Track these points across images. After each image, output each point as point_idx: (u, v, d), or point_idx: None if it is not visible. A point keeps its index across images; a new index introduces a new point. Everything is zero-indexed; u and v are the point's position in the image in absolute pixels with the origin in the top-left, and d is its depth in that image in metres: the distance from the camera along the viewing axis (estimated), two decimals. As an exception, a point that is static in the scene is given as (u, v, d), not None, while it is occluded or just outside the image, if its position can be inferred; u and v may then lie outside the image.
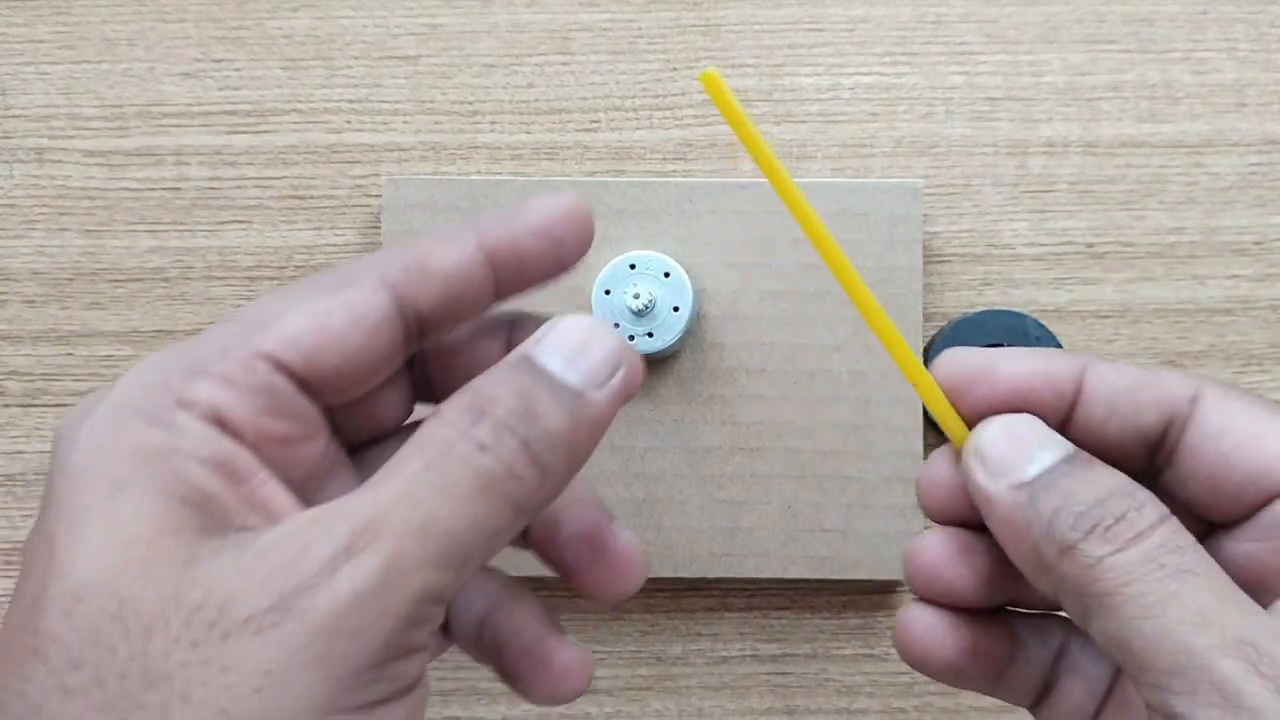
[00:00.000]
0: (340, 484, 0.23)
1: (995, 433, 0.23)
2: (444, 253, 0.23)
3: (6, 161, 0.38)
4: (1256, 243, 0.38)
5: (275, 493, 0.21)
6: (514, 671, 0.25)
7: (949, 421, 0.24)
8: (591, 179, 0.37)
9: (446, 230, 0.23)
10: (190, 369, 0.21)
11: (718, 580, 0.38)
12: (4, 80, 0.38)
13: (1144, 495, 0.22)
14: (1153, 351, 0.38)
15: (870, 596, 0.38)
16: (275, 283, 0.38)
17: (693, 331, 0.36)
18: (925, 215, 0.38)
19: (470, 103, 0.38)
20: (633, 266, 0.35)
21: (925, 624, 0.25)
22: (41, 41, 0.38)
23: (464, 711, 0.38)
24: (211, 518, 0.20)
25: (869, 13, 0.38)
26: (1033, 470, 0.22)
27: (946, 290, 0.38)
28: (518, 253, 0.23)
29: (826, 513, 0.35)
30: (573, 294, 0.36)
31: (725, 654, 0.38)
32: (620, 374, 0.22)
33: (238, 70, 0.38)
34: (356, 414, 0.24)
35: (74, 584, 0.19)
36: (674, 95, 0.38)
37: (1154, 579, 0.21)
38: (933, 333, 0.37)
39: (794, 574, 0.35)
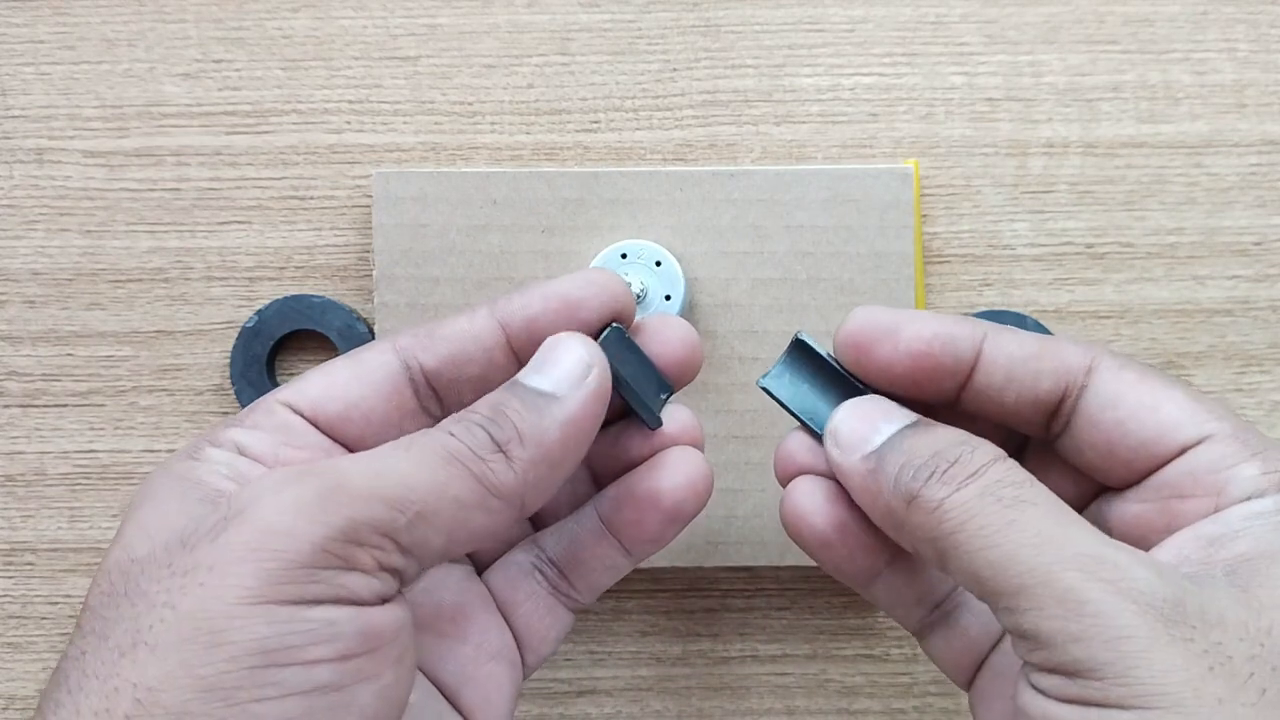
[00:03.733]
0: None
1: (845, 413, 0.26)
2: (452, 320, 0.26)
3: (6, 162, 0.38)
4: (1256, 243, 0.38)
5: None
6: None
7: None
8: (584, 169, 0.37)
9: (464, 308, 0.27)
10: (226, 424, 0.25)
11: (717, 579, 0.38)
12: (4, 80, 0.38)
13: (978, 441, 0.24)
14: (1153, 352, 0.38)
15: (870, 597, 0.38)
16: (275, 283, 0.38)
17: (685, 320, 0.36)
18: (925, 216, 0.38)
19: (470, 103, 0.38)
20: (624, 256, 0.35)
21: (806, 490, 0.27)
22: (41, 42, 0.38)
23: (463, 712, 0.38)
24: (220, 505, 0.23)
25: (869, 13, 0.38)
26: (878, 440, 0.25)
27: (946, 290, 0.38)
28: (531, 317, 0.26)
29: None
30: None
31: (725, 654, 0.38)
32: (594, 374, 0.25)
33: (238, 70, 0.38)
34: None
35: (108, 561, 0.22)
36: (674, 96, 0.38)
37: (992, 511, 0.22)
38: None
39: (790, 562, 0.35)
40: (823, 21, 0.38)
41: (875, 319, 0.26)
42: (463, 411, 0.24)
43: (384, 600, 0.22)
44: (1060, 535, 0.22)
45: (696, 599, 0.38)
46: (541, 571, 0.28)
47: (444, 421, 0.24)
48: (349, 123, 0.38)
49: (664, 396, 0.27)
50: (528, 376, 0.25)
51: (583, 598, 0.29)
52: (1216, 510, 0.24)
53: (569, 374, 0.24)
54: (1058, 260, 0.38)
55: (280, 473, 0.22)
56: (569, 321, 0.26)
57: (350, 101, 0.38)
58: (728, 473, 0.35)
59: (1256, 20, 0.38)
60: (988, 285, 0.38)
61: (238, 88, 0.38)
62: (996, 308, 0.37)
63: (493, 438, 0.23)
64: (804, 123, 0.38)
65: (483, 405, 0.24)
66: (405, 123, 0.38)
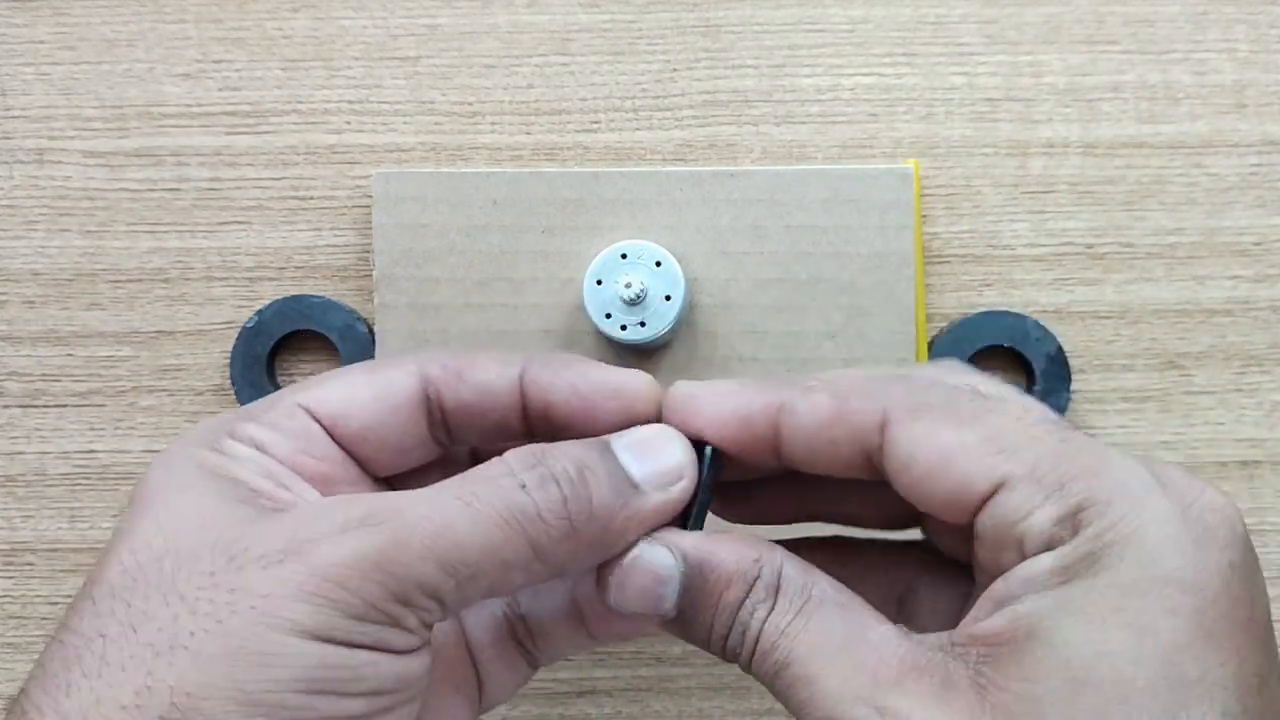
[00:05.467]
0: None
1: (615, 594, 0.25)
2: (485, 369, 0.26)
3: (6, 162, 0.38)
4: (1256, 243, 0.38)
5: (316, 496, 0.25)
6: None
7: None
8: (584, 169, 0.37)
9: (501, 355, 0.26)
10: (241, 416, 0.25)
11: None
12: (4, 81, 0.38)
13: (754, 594, 0.23)
14: (1153, 352, 0.38)
15: (870, 597, 0.38)
16: (275, 284, 0.38)
17: (685, 320, 0.36)
18: (925, 216, 0.38)
19: (470, 103, 0.38)
20: (624, 256, 0.34)
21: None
22: (41, 42, 0.38)
23: (463, 712, 0.38)
24: (259, 506, 0.23)
25: (869, 13, 0.38)
26: (669, 613, 0.24)
27: (947, 291, 0.38)
28: (552, 404, 0.26)
29: (822, 503, 0.35)
30: (565, 285, 0.36)
31: (725, 655, 0.38)
32: (681, 485, 0.24)
33: (238, 71, 0.38)
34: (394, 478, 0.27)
35: (133, 540, 0.22)
36: (674, 96, 0.38)
37: (777, 679, 0.23)
38: (934, 333, 0.37)
39: None
40: (823, 21, 0.38)
41: (679, 391, 0.25)
42: (541, 454, 0.23)
43: (418, 648, 0.23)
44: (807, 700, 0.22)
45: (696, 599, 0.38)
46: (511, 624, 0.28)
47: (515, 463, 0.23)
48: (349, 123, 0.38)
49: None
50: (622, 453, 0.24)
51: (542, 660, 0.28)
52: (1019, 564, 0.22)
53: (663, 474, 0.24)
54: (1058, 260, 0.38)
55: (340, 510, 0.22)
56: (585, 427, 0.25)
57: (350, 102, 0.38)
58: (728, 473, 0.35)
59: (1256, 20, 0.38)
60: (988, 285, 0.38)
61: (238, 88, 0.38)
62: (997, 308, 0.37)
63: (566, 501, 0.23)
64: (804, 123, 0.38)
65: (566, 459, 0.23)
66: (405, 123, 0.38)
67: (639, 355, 0.36)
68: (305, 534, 0.22)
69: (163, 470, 0.24)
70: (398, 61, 0.38)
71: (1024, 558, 0.22)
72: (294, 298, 0.37)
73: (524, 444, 0.24)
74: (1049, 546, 0.22)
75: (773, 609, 0.23)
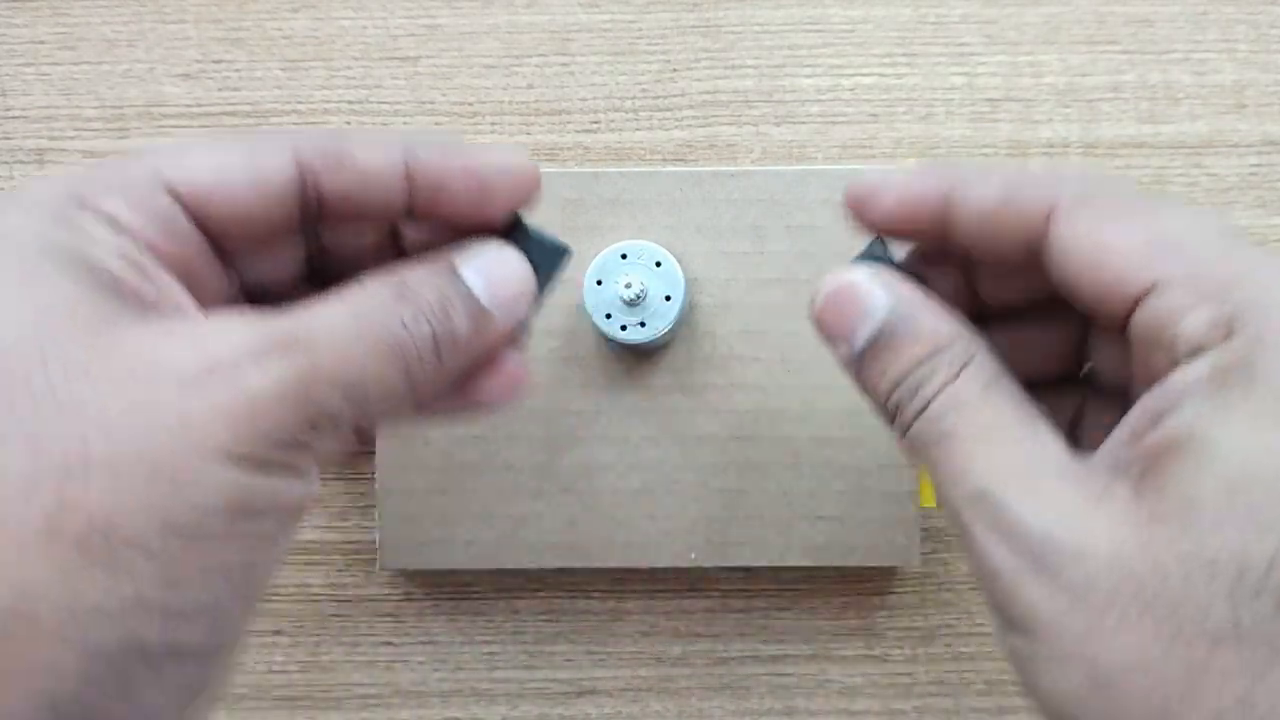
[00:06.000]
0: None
1: (821, 302, 0.26)
2: (366, 153, 0.24)
3: (7, 162, 0.38)
4: (1257, 243, 0.38)
5: (184, 296, 0.23)
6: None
7: None
8: (584, 169, 0.37)
9: (380, 135, 0.25)
10: (91, 183, 0.22)
11: (717, 579, 0.38)
12: (4, 81, 0.38)
13: (939, 359, 0.24)
14: (1153, 352, 0.38)
15: (870, 598, 0.38)
16: (275, 283, 0.38)
17: (685, 321, 0.36)
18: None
19: (470, 103, 0.38)
20: (624, 256, 0.34)
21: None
22: (41, 43, 0.38)
23: (463, 712, 0.38)
24: (125, 300, 0.21)
25: (869, 13, 0.38)
26: (857, 344, 0.25)
27: (946, 291, 0.38)
28: (441, 185, 0.24)
29: (822, 500, 0.35)
30: (564, 285, 0.36)
31: (725, 655, 0.38)
32: (523, 307, 0.25)
33: (238, 71, 0.38)
34: (252, 272, 0.26)
35: None
36: (674, 96, 0.38)
37: (926, 448, 0.24)
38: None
39: (790, 561, 0.35)
40: (823, 22, 0.38)
41: (860, 183, 0.26)
42: (406, 286, 0.23)
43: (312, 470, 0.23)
44: (962, 471, 0.23)
45: (696, 599, 0.38)
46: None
47: (388, 294, 0.23)
48: (349, 123, 0.38)
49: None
50: (473, 279, 0.24)
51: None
52: (1170, 371, 0.21)
53: (512, 300, 0.25)
54: (1058, 260, 0.38)
55: (251, 331, 0.21)
56: (475, 210, 0.25)
57: (350, 102, 0.38)
58: (727, 473, 0.35)
59: (1256, 20, 0.38)
60: (988, 285, 0.38)
61: (238, 88, 0.38)
62: (996, 308, 0.37)
63: (436, 342, 0.23)
64: (804, 123, 0.38)
65: (430, 291, 0.24)
66: (405, 123, 0.38)
67: (639, 355, 0.36)
68: (223, 354, 0.21)
69: (3, 248, 0.21)
70: (398, 61, 0.38)
71: (1176, 364, 0.21)
72: (294, 298, 0.37)
73: (393, 235, 0.26)
74: (1201, 350, 0.21)
75: (955, 379, 0.24)
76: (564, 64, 0.38)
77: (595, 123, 0.38)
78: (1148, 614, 0.20)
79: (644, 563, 0.35)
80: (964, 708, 0.37)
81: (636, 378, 0.36)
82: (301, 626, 0.38)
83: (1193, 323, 0.21)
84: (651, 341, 0.34)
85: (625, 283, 0.34)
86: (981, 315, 0.27)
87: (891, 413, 0.25)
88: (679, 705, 0.38)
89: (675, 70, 0.38)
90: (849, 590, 0.38)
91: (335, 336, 0.22)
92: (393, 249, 0.27)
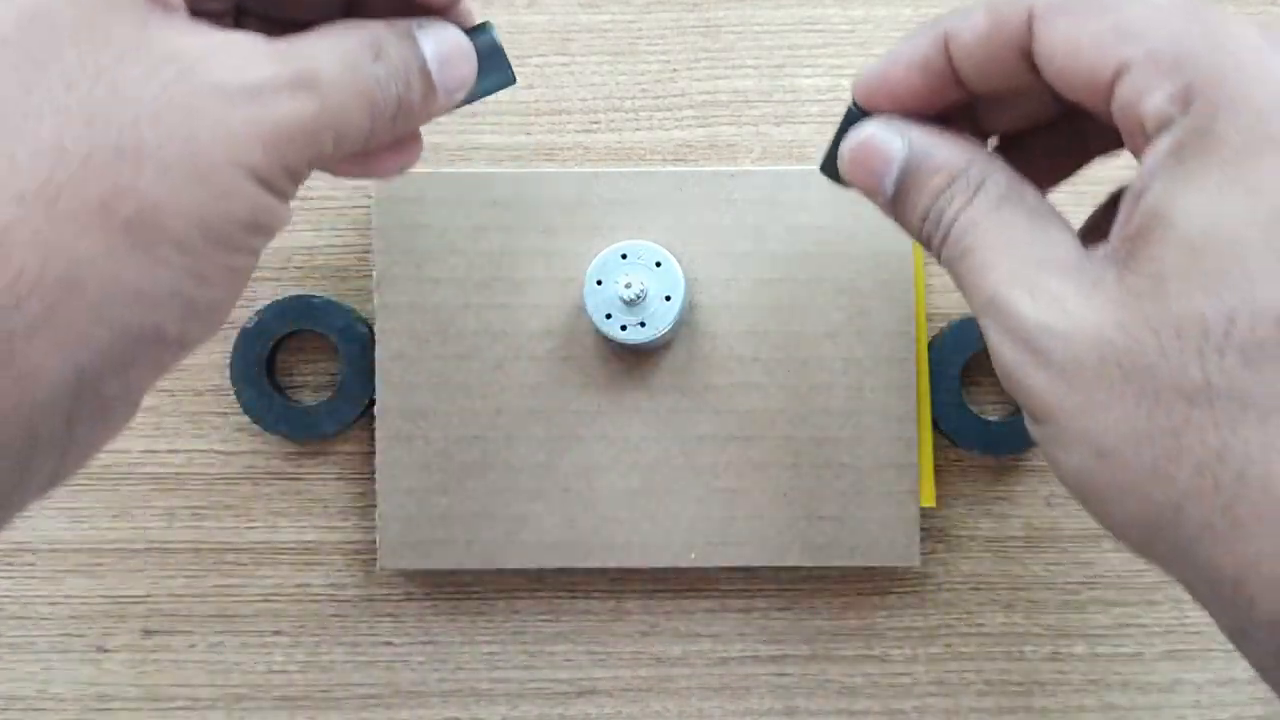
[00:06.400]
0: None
1: (848, 164, 0.28)
2: None
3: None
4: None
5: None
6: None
7: None
8: (584, 169, 0.37)
9: None
10: None
11: (717, 579, 0.38)
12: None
13: (955, 187, 0.26)
14: (1153, 352, 0.38)
15: (870, 598, 0.38)
16: (276, 284, 0.38)
17: (685, 321, 0.36)
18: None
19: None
20: (624, 256, 0.34)
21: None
22: (42, 42, 0.38)
23: (463, 712, 0.38)
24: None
25: (869, 13, 0.38)
26: (888, 191, 0.27)
27: (948, 291, 0.38)
28: None
29: (822, 500, 0.35)
30: (565, 285, 0.36)
31: (725, 655, 0.38)
32: (456, 100, 0.27)
33: (238, 71, 0.38)
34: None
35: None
36: (674, 96, 0.38)
37: (953, 256, 0.26)
38: (934, 333, 0.37)
39: (790, 561, 0.35)
40: (823, 22, 0.38)
41: (863, 79, 0.27)
42: (381, 48, 0.25)
43: None
44: (978, 283, 0.25)
45: (696, 599, 0.38)
46: None
47: (368, 54, 0.25)
48: (349, 123, 0.38)
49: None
50: (431, 60, 0.26)
51: None
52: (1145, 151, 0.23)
53: (455, 89, 0.27)
54: (1058, 260, 0.38)
55: (274, 63, 0.23)
56: None
57: (350, 102, 0.38)
58: (727, 473, 0.35)
59: (1256, 21, 0.38)
60: (988, 285, 0.38)
61: (238, 88, 0.38)
62: (996, 308, 0.37)
63: (398, 100, 0.26)
64: (804, 123, 0.38)
65: (399, 57, 0.26)
66: (405, 123, 0.38)
67: (639, 355, 0.36)
68: (257, 79, 0.23)
69: None
70: (398, 61, 0.38)
71: (1149, 143, 0.22)
72: (294, 298, 0.37)
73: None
74: (1166, 127, 0.22)
75: (970, 202, 0.25)
76: (564, 64, 0.38)
77: (595, 123, 0.38)
78: (1130, 385, 0.22)
79: (644, 563, 0.36)
80: (964, 708, 0.37)
81: (636, 378, 0.36)
82: (301, 626, 0.38)
83: (1154, 101, 0.22)
84: (651, 341, 0.34)
85: (625, 283, 0.34)
86: (1004, 147, 0.29)
87: (926, 244, 0.27)
88: (679, 705, 0.38)
89: (675, 70, 0.38)
90: (849, 590, 0.38)
91: (335, 84, 0.24)
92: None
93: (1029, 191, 0.25)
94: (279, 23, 0.28)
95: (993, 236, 0.25)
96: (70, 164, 0.21)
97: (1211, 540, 0.22)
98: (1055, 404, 0.23)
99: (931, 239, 0.26)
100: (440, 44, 0.27)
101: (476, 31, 0.27)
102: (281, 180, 0.23)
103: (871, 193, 0.28)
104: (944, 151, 0.26)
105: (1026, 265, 0.24)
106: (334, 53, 0.25)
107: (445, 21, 0.27)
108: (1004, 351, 0.24)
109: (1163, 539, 0.23)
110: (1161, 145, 0.22)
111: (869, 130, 0.27)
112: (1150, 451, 0.22)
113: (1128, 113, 0.23)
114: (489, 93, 0.28)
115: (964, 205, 0.25)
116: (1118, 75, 0.23)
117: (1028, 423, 0.25)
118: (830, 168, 0.29)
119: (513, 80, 0.28)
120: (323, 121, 0.24)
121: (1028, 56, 0.24)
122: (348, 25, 0.26)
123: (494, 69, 0.28)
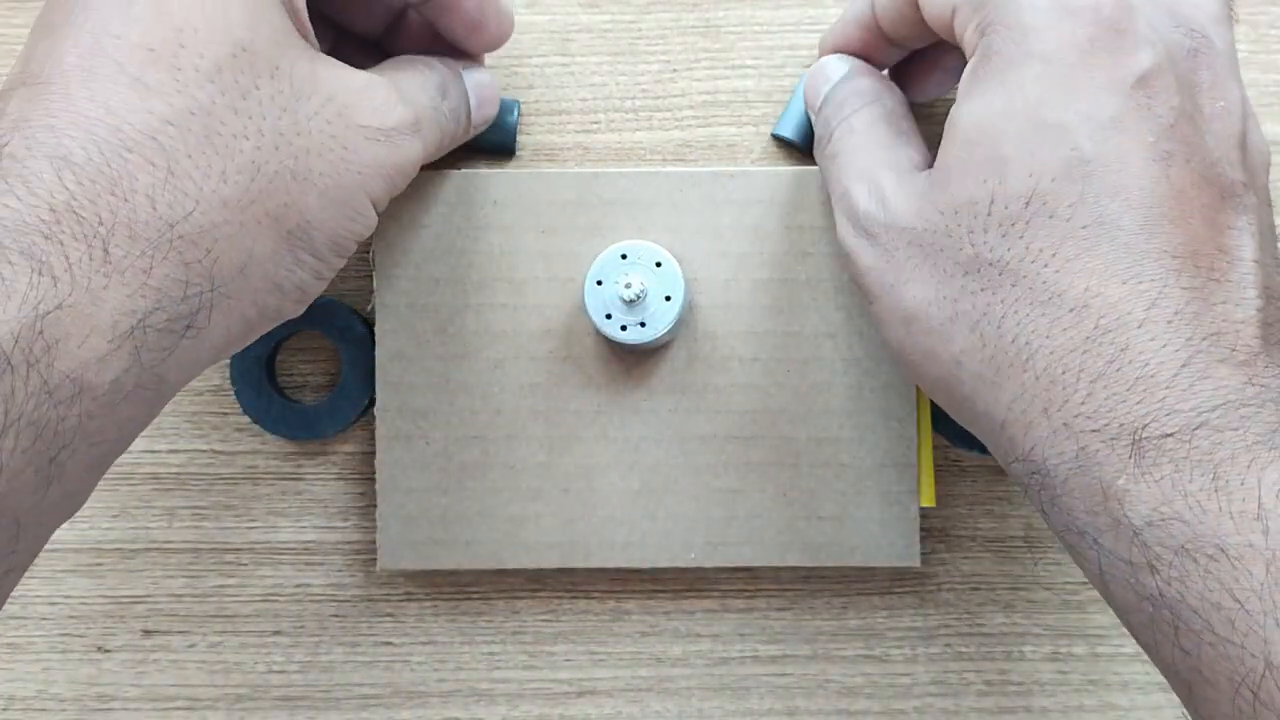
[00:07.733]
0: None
1: (806, 82, 0.35)
2: None
3: (7, 162, 0.38)
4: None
5: (317, 41, 0.30)
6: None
7: None
8: (583, 169, 0.37)
9: None
10: None
11: (717, 579, 0.38)
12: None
13: (849, 104, 0.32)
14: (1153, 352, 0.38)
15: (870, 598, 0.38)
16: (275, 283, 0.38)
17: (685, 321, 0.36)
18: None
19: (470, 103, 0.38)
20: (624, 257, 0.34)
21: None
22: (42, 42, 0.38)
23: (463, 712, 0.38)
24: (304, 35, 0.28)
25: (869, 13, 0.38)
26: (817, 103, 0.34)
27: (946, 291, 0.38)
28: (454, 10, 0.32)
29: (822, 500, 0.35)
30: (565, 285, 0.36)
31: (725, 655, 0.38)
32: (484, 126, 0.35)
33: (238, 71, 0.38)
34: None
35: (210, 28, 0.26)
36: (674, 96, 0.38)
37: (825, 163, 0.33)
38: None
39: (790, 561, 0.35)
40: (823, 22, 0.38)
41: (816, 72, 0.34)
42: (445, 87, 0.32)
43: None
44: (837, 178, 0.31)
45: (696, 599, 0.38)
46: None
47: (436, 91, 0.32)
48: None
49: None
50: (473, 94, 0.34)
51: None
52: None
53: (487, 120, 0.35)
54: (1058, 260, 0.38)
55: (406, 111, 0.30)
56: (473, 36, 0.33)
57: (350, 102, 0.38)
58: (727, 473, 0.35)
59: (1256, 20, 0.38)
60: (988, 285, 0.38)
61: (238, 88, 0.38)
62: (996, 308, 0.37)
63: (453, 137, 0.33)
64: (804, 123, 0.38)
65: (457, 98, 0.33)
66: (405, 123, 0.38)
67: (639, 355, 0.36)
68: (392, 123, 0.29)
69: None
70: (398, 62, 0.38)
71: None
72: (294, 298, 0.37)
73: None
74: (972, 54, 0.28)
75: (855, 112, 0.32)
76: (564, 64, 0.38)
77: (595, 123, 0.38)
78: (927, 262, 0.27)
79: (644, 563, 0.35)
80: (964, 708, 0.37)
81: (636, 378, 0.36)
82: (301, 626, 0.38)
83: (967, 33, 0.28)
84: (651, 342, 0.34)
85: (625, 283, 0.34)
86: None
87: (818, 144, 0.33)
88: (679, 705, 0.38)
89: (675, 70, 0.38)
90: (849, 590, 0.38)
91: (429, 124, 0.31)
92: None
93: (906, 121, 0.32)
94: (336, 27, 0.34)
95: (859, 142, 0.31)
96: (261, 181, 0.26)
97: (983, 389, 0.26)
98: (877, 280, 0.29)
99: (821, 139, 0.33)
100: (479, 86, 0.34)
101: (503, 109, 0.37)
102: (384, 204, 0.30)
103: (812, 101, 0.34)
104: (865, 80, 0.33)
105: (873, 167, 0.30)
106: (424, 94, 0.31)
107: (481, 66, 0.34)
108: (845, 234, 0.30)
109: (953, 394, 0.27)
110: (968, 67, 0.28)
111: (825, 59, 0.34)
112: (939, 316, 0.27)
113: (960, 44, 0.29)
114: (490, 142, 0.37)
115: (848, 116, 0.32)
116: (953, 15, 0.28)
117: (866, 306, 0.30)
118: (783, 129, 0.37)
119: (513, 154, 0.38)
120: (422, 157, 0.31)
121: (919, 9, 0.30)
122: (424, 65, 0.32)
123: (503, 127, 0.37)
